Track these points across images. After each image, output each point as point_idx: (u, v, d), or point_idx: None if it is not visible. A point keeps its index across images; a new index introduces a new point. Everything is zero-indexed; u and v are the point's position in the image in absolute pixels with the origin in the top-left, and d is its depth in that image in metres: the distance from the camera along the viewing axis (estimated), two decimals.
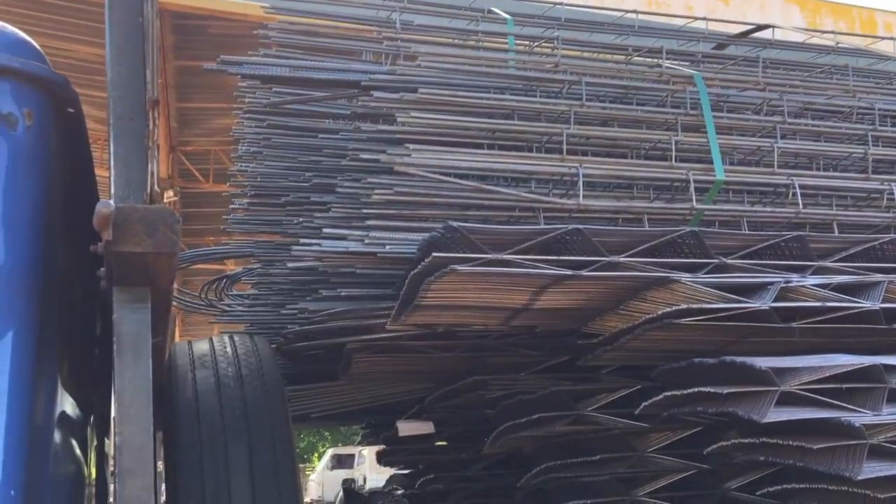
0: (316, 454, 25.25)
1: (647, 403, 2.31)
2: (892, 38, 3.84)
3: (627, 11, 3.42)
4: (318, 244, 2.20)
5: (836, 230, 2.58)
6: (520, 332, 2.82)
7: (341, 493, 6.40)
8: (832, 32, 3.84)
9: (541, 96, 2.53)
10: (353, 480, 14.23)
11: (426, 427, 3.70)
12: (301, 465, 22.21)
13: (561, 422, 2.64)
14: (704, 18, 3.68)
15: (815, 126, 2.62)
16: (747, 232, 2.38)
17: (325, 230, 2.22)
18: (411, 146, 2.19)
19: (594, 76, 2.45)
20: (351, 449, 18.98)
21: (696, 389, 2.08)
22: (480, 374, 3.04)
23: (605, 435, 2.73)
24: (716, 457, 2.57)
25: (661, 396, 2.23)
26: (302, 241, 2.28)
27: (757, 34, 3.54)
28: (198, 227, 11.61)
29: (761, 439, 2.12)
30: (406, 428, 3.62)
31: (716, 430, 2.58)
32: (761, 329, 2.28)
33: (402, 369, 3.11)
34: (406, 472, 4.51)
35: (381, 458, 4.30)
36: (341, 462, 19.63)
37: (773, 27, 3.53)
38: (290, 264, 2.42)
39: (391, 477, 5.39)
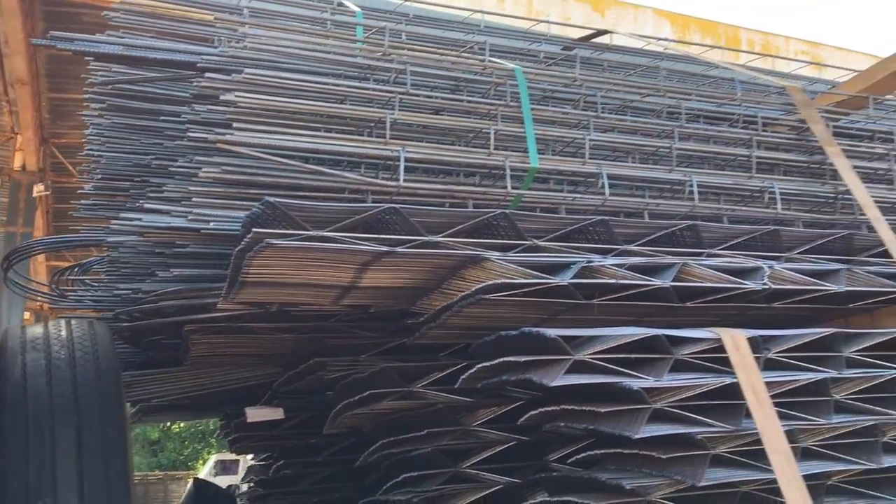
0: (201, 461, 24.64)
1: (463, 377, 2.44)
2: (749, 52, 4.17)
3: (475, 11, 3.59)
4: (140, 219, 2.23)
5: (646, 217, 2.79)
6: (357, 314, 2.92)
7: (190, 486, 6.29)
8: (666, 40, 4.13)
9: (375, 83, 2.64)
10: (237, 486, 13.98)
11: (275, 413, 3.74)
12: (186, 472, 21.71)
13: (390, 398, 2.75)
14: (554, 22, 3.91)
15: (629, 122, 2.84)
16: (555, 216, 2.55)
17: (146, 205, 2.26)
18: (235, 125, 2.26)
19: (420, 66, 2.58)
20: (235, 455, 18.68)
21: (501, 360, 2.22)
22: (321, 357, 3.13)
23: (434, 411, 2.85)
24: (537, 429, 2.74)
25: (474, 369, 2.37)
26: (122, 215, 2.30)
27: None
28: (67, 223, 11.20)
29: (561, 406, 2.29)
30: (254, 414, 3.65)
31: (535, 403, 2.74)
32: (568, 306, 2.46)
33: (243, 352, 3.15)
34: (261, 460, 4.53)
35: (233, 446, 4.31)
36: (225, 468, 19.21)
37: (612, 32, 3.77)
38: (110, 238, 2.43)
39: (249, 468, 5.37)
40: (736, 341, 2.26)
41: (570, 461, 2.61)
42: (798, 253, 2.84)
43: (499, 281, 2.22)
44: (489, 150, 2.52)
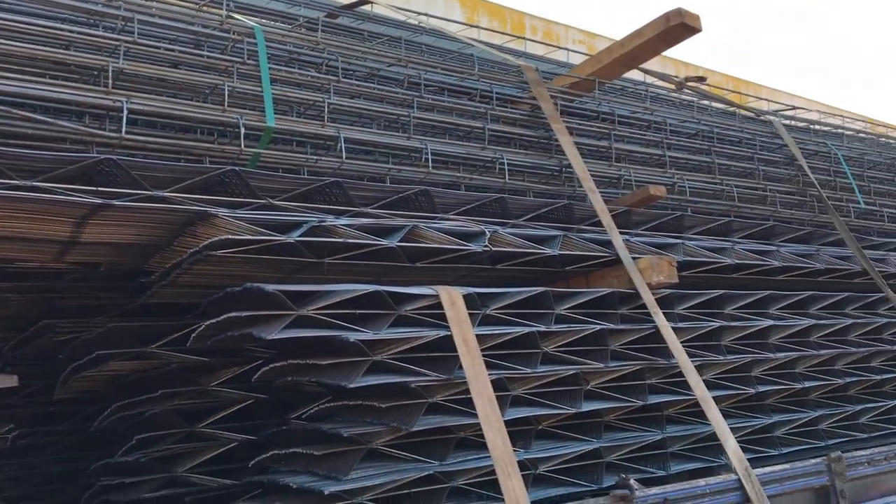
0: None
1: (193, 335, 2.43)
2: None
3: None
4: None
5: (388, 181, 2.90)
6: (87, 272, 2.80)
7: None
8: (425, 15, 4.27)
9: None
10: None
11: (9, 380, 3.50)
12: None
13: (120, 359, 2.68)
14: None
15: (365, 87, 2.93)
16: (290, 176, 2.59)
17: None
18: None
19: (150, 15, 2.51)
20: None
21: (225, 316, 2.23)
22: (53, 319, 2.97)
23: (170, 371, 2.81)
24: (279, 388, 2.79)
25: (201, 327, 2.36)
26: None
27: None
28: None
29: (288, 361, 2.35)
30: None
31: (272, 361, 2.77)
32: (301, 265, 2.52)
33: None
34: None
35: None
36: None
37: (373, 3, 3.84)
38: None
39: None
40: (452, 298, 2.42)
41: (303, 416, 2.68)
42: (524, 220, 3.08)
43: (225, 237, 2.23)
44: (223, 107, 2.50)
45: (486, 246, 2.68)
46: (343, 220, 2.49)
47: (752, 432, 3.31)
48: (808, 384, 3.57)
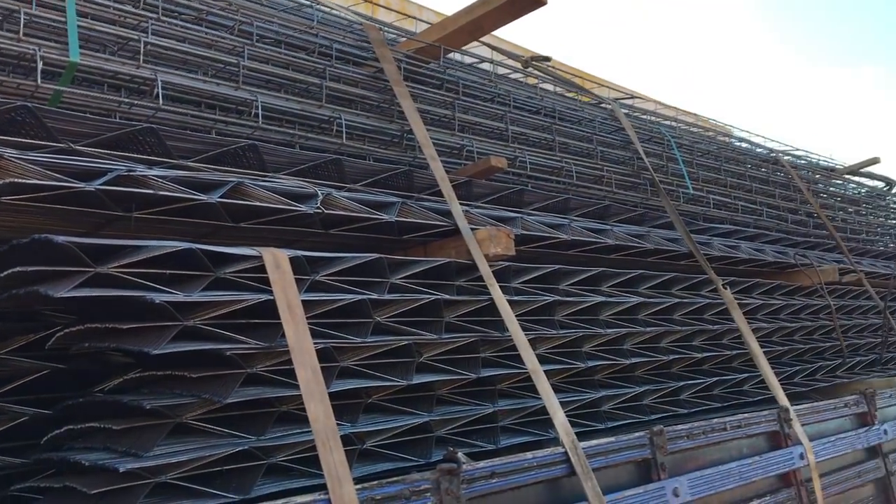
0: None
1: None
2: None
3: None
4: None
5: (214, 135, 2.67)
6: None
7: None
8: None
9: None
10: None
11: None
12: None
13: None
14: None
15: (191, 31, 2.68)
16: (97, 118, 2.32)
17: None
18: None
19: None
20: None
21: (9, 272, 1.95)
22: None
23: None
24: (80, 357, 2.50)
25: None
26: None
27: None
28: None
29: (85, 325, 2.10)
30: None
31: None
32: (107, 218, 2.26)
33: None
34: None
35: None
36: None
37: None
38: None
39: None
40: (277, 260, 2.24)
41: (107, 389, 2.42)
42: (361, 185, 2.94)
43: (10, 180, 1.94)
44: (18, 36, 2.19)
45: (317, 208, 2.52)
46: (156, 171, 2.25)
47: (581, 406, 3.35)
48: (634, 360, 3.66)
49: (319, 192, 2.52)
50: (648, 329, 3.74)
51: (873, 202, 7.74)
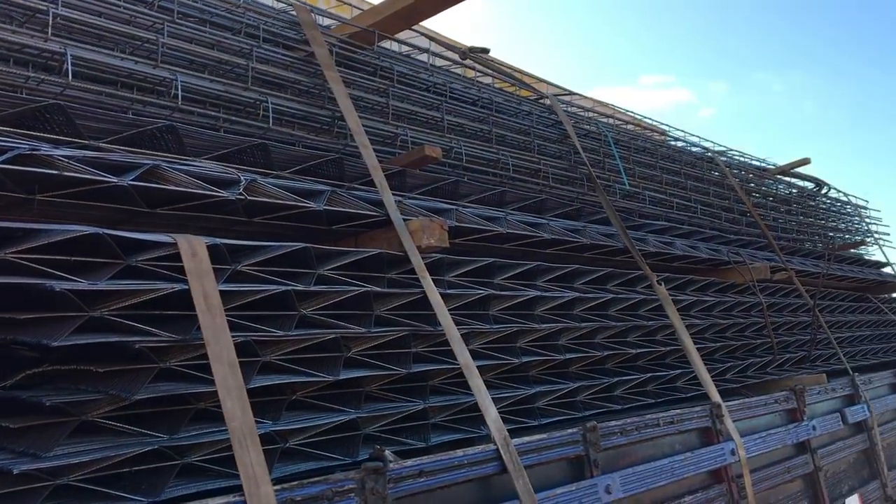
0: None
1: None
2: None
3: None
4: None
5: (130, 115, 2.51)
6: None
7: None
8: None
9: None
10: None
11: None
12: None
13: None
14: None
15: (106, 4, 2.52)
16: (1, 94, 2.15)
17: None
18: None
19: None
20: None
21: None
22: None
23: None
24: None
25: None
26: None
27: None
28: None
29: None
30: None
31: None
32: (7, 201, 2.09)
33: None
34: None
35: None
36: None
37: None
38: None
39: None
40: (194, 247, 2.11)
41: (6, 384, 2.25)
42: (290, 172, 2.82)
43: None
44: None
45: (240, 194, 2.39)
46: (63, 151, 2.09)
47: (515, 403, 3.28)
48: (569, 356, 3.62)
49: (242, 178, 2.39)
50: (584, 325, 3.71)
51: (804, 202, 7.92)
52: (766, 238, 5.95)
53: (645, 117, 7.56)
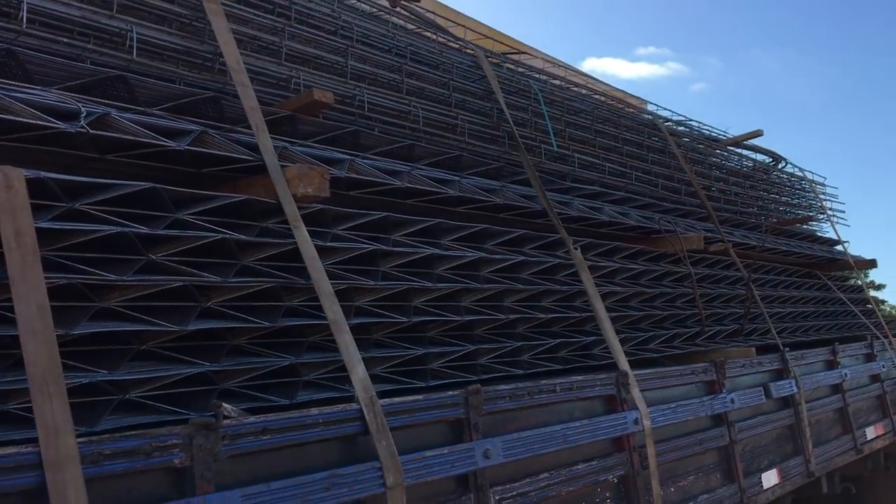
0: None
1: None
2: None
3: None
4: None
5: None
6: None
7: None
8: None
9: None
10: None
11: None
12: None
13: None
14: None
15: None
16: None
17: None
18: None
19: None
20: None
21: None
22: None
23: None
24: None
25: None
26: None
27: None
28: None
29: None
30: None
31: None
32: None
33: None
34: None
35: None
36: None
37: None
38: None
39: None
40: (9, 179, 1.94)
41: None
42: (161, 109, 2.64)
43: None
44: None
45: (82, 127, 2.22)
46: None
47: (405, 363, 3.17)
48: (470, 318, 3.50)
49: (83, 110, 2.22)
50: (488, 286, 3.58)
51: (757, 176, 7.82)
52: (705, 208, 5.85)
53: (617, 90, 7.41)
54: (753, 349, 5.50)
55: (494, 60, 4.62)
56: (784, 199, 8.66)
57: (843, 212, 9.30)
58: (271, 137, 2.82)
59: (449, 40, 4.45)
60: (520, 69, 5.15)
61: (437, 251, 3.33)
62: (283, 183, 2.68)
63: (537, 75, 4.97)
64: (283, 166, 2.72)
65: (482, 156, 4.10)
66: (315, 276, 2.62)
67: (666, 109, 7.07)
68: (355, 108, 3.40)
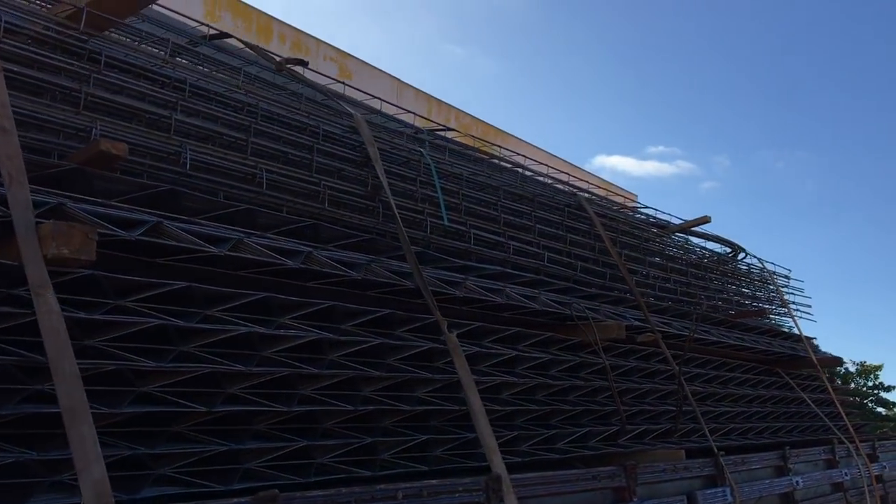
0: None
1: None
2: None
3: None
4: None
5: None
6: None
7: None
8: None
9: None
10: None
11: None
12: None
13: None
14: None
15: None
16: None
17: None
18: None
19: None
20: None
21: None
22: None
23: None
24: None
25: None
26: None
27: None
28: None
29: None
30: None
31: None
32: None
33: None
34: None
35: None
36: None
37: None
38: None
39: None
40: None
41: None
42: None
43: None
44: None
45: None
46: None
47: (284, 456, 2.75)
48: (308, 408, 3.03)
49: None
50: (329, 371, 3.12)
51: (706, 265, 7.43)
52: (633, 295, 5.42)
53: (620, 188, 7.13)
54: (682, 452, 4.97)
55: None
56: (744, 290, 8.24)
57: (810, 306, 8.86)
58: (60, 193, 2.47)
59: (339, 104, 4.12)
60: (445, 142, 4.82)
61: (262, 329, 2.89)
62: (34, 242, 2.27)
63: (439, 144, 4.62)
64: (38, 223, 2.32)
65: (355, 227, 3.70)
66: (51, 354, 2.17)
67: (649, 208, 6.79)
68: (180, 165, 3.02)
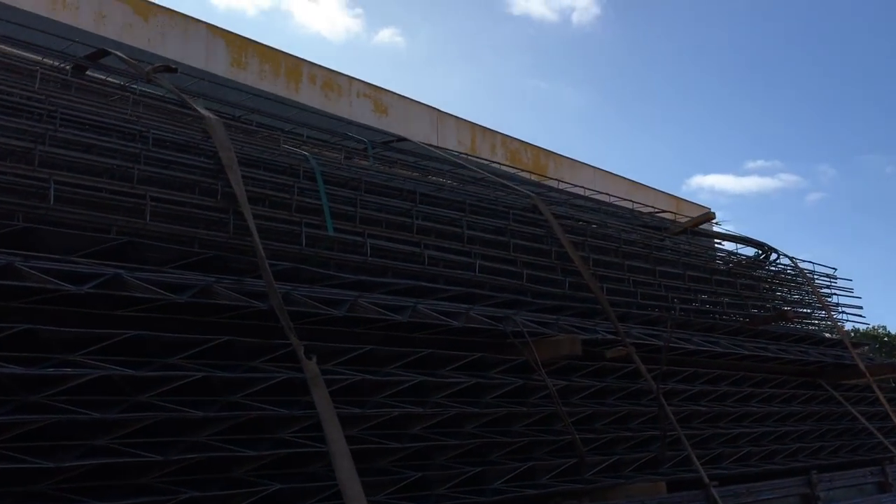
0: None
1: None
2: None
3: None
4: None
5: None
6: None
7: None
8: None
9: None
10: None
11: None
12: None
13: None
14: None
15: None
16: None
17: None
18: None
19: None
20: None
21: None
22: None
23: None
24: None
25: None
26: None
27: None
28: None
29: None
30: None
31: None
32: None
33: None
34: None
35: None
36: None
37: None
38: None
39: None
40: None
41: None
42: None
43: None
44: None
45: None
46: None
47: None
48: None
49: None
50: (134, 416, 2.59)
51: (742, 271, 6.63)
52: (602, 304, 4.71)
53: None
54: (663, 484, 4.20)
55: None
56: (777, 294, 7.35)
57: (860, 307, 7.84)
58: None
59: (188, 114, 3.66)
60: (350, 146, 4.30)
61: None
62: None
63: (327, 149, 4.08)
64: None
65: (186, 243, 3.18)
66: None
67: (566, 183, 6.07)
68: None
